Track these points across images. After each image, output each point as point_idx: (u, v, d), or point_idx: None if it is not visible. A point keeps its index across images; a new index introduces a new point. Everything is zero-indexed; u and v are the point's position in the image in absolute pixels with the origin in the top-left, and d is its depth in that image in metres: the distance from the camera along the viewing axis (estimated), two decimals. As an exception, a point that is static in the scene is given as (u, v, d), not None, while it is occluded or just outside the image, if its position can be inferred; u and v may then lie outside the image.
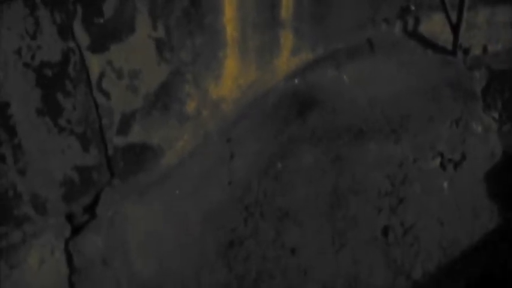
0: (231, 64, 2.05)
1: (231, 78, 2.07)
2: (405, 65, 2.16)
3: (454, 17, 2.31)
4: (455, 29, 2.32)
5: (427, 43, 2.34)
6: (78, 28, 1.73)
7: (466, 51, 2.42)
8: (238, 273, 1.98)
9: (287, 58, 2.13)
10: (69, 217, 2.03)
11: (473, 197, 2.16)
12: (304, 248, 1.96)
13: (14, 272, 1.93)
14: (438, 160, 2.10)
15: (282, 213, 1.94)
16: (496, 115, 2.45)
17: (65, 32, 1.72)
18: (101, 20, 1.76)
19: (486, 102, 2.38)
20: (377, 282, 2.05)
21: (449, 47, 2.38)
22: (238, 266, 1.97)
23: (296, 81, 2.12)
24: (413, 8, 2.24)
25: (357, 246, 2.00)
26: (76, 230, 2.03)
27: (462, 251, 2.17)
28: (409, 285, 2.09)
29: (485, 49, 2.50)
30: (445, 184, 2.09)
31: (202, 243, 2.00)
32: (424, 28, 2.34)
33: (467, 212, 2.15)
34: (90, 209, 2.04)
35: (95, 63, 1.82)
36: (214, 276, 2.01)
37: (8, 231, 1.90)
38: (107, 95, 1.90)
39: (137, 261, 2.06)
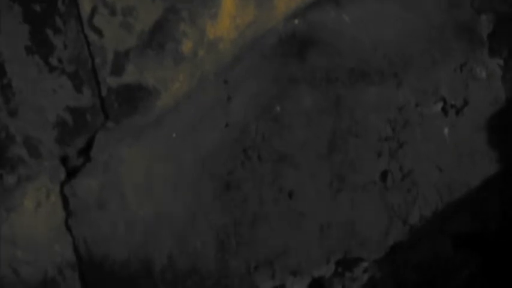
0: (228, 2, 1.94)
1: (229, 18, 1.96)
2: (410, 5, 2.05)
3: (462, -43, 2.18)
4: (463, -31, 2.19)
5: (434, -17, 2.21)
6: (67, -42, 1.61)
7: (473, -7, 2.31)
8: (235, 217, 1.95)
9: (287, -3, 2.02)
10: (64, 160, 1.98)
11: (473, 143, 2.11)
12: (301, 191, 1.92)
13: (10, 215, 1.89)
14: (440, 105, 2.04)
15: (280, 156, 1.89)
16: (501, 62, 2.36)
17: (52, -38, 1.60)
18: (91, -49, 1.64)
19: (492, 48, 2.29)
20: (374, 226, 2.04)
21: (457, -12, 2.26)
22: (235, 209, 1.94)
23: (296, 21, 2.02)
24: None
25: (355, 190, 1.97)
26: (71, 174, 1.98)
27: (458, 198, 2.13)
28: (406, 230, 2.07)
29: (493, -9, 2.39)
30: (446, 130, 2.03)
31: (199, 187, 1.96)
32: (431, -32, 2.21)
33: (466, 159, 2.11)
34: (85, 152, 1.98)
35: (86, -2, 1.72)
36: (210, 220, 1.98)
37: (3, 174, 1.85)
38: (99, 32, 1.81)
39: (133, 204, 2.03)
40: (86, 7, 1.73)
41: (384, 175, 1.99)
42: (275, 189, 1.91)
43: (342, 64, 1.99)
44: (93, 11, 1.76)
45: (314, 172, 1.93)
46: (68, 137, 1.91)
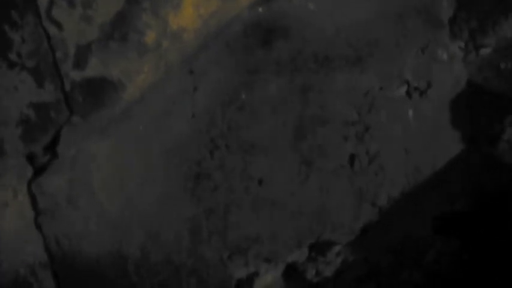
0: (190, -8, 1.91)
1: (192, 7, 1.93)
2: (372, -9, 2.06)
3: None
4: (422, -46, 2.21)
5: (395, -31, 2.23)
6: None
7: (433, -22, 2.32)
8: (206, 207, 1.94)
9: (250, -15, 2.00)
10: (30, 158, 1.93)
11: (437, 125, 2.14)
12: (271, 178, 1.92)
13: (-23, 216, 1.84)
14: (404, 88, 2.05)
15: (248, 145, 1.89)
16: (461, 44, 2.40)
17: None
18: None
19: (453, 31, 2.32)
20: (344, 210, 2.05)
21: (417, -27, 2.28)
22: (205, 199, 1.93)
23: (260, 9, 2.00)
24: None
25: (324, 175, 1.97)
26: (38, 171, 1.94)
27: (425, 179, 2.16)
28: (375, 212, 2.09)
29: (453, -24, 2.41)
30: (411, 112, 2.05)
31: (168, 178, 1.94)
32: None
33: (431, 140, 2.14)
34: (51, 149, 1.94)
35: (42, -10, 1.67)
36: (181, 211, 1.97)
37: (-32, 174, 1.80)
38: (58, 25, 1.76)
39: (103, 200, 2.00)
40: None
41: (351, 159, 2.00)
42: (245, 177, 1.90)
43: (306, 51, 1.98)
44: (51, 3, 1.71)
45: (283, 159, 1.93)
46: (33, 133, 1.87)
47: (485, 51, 2.48)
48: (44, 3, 1.69)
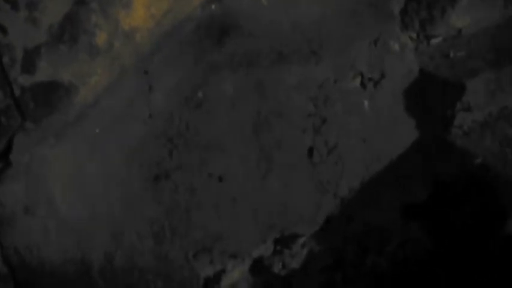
0: (140, -9, 1.85)
1: (143, 7, 1.88)
2: (325, -15, 2.05)
3: None
4: None
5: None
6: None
7: (383, -28, 2.34)
8: (167, 207, 1.90)
9: (202, -16, 1.96)
10: (-17, 167, 1.84)
11: (392, 114, 2.16)
12: (231, 175, 1.89)
13: None
14: (358, 79, 2.06)
15: (206, 143, 1.85)
16: (413, 34, 2.43)
17: None
18: None
19: (404, 22, 2.34)
20: (306, 202, 2.04)
21: (367, -33, 2.28)
22: (166, 199, 1.89)
23: (213, 7, 1.97)
24: None
25: (284, 169, 1.96)
26: (-8, 181, 1.85)
27: (383, 168, 2.18)
28: (337, 203, 2.09)
29: (402, -31, 2.43)
30: (366, 103, 2.06)
31: (128, 181, 1.88)
32: None
33: (388, 129, 2.15)
34: (4, 157, 1.85)
35: (-19, -7, 1.58)
36: (143, 213, 1.92)
37: None
38: (2, 29, 1.68)
39: (63, 206, 1.93)
40: (-16, 4, 1.60)
41: (310, 152, 1.99)
42: (204, 175, 1.87)
43: (261, 47, 1.96)
44: (-7, 7, 1.63)
45: (242, 155, 1.90)
46: (-16, 142, 1.78)
47: (435, 41, 2.51)
48: (-14, 7, 1.61)
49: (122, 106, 1.87)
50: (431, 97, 2.24)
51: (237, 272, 2.10)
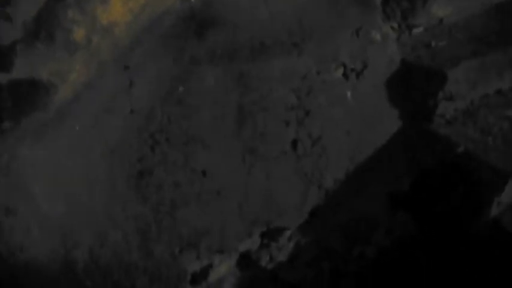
0: (117, -14, 1.81)
1: (120, 1, 1.84)
2: (304, -24, 2.03)
3: None
4: None
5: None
6: None
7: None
8: (152, 204, 1.87)
9: (180, -24, 1.92)
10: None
11: (375, 104, 2.15)
12: (215, 169, 1.87)
13: None
14: (341, 70, 2.05)
15: (188, 138, 1.82)
16: (394, 24, 2.42)
17: None
18: None
19: (385, 12, 2.33)
20: (290, 195, 2.03)
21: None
22: (151, 196, 1.86)
23: (192, 0, 1.93)
24: None
25: (268, 161, 1.94)
26: (-27, 182, 1.80)
27: (367, 158, 2.17)
28: (321, 194, 2.08)
29: (384, -41, 2.42)
30: (349, 93, 2.05)
31: (111, 177, 1.85)
32: None
33: (371, 119, 2.15)
34: (-17, 157, 1.80)
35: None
36: (128, 210, 1.89)
37: None
38: (-25, 26, 1.62)
39: (45, 206, 1.89)
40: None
41: (294, 144, 1.98)
42: (188, 170, 1.84)
43: (242, 39, 1.94)
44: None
45: (225, 149, 1.88)
46: (-38, 143, 1.73)
47: (417, 31, 2.51)
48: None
49: (102, 102, 1.84)
50: (413, 87, 2.24)
51: (224, 267, 2.09)
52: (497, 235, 2.04)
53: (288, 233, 2.12)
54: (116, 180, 1.86)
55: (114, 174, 1.85)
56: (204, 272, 2.03)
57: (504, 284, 2.04)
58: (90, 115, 1.83)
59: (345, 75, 2.06)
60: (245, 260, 2.13)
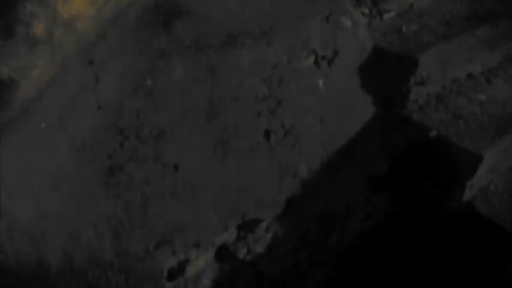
0: (78, -23, 1.74)
1: (82, -7, 1.77)
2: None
3: None
4: None
5: None
6: None
7: None
8: (124, 200, 1.83)
9: (144, -34, 1.86)
10: None
11: (348, 92, 2.14)
12: (187, 163, 1.83)
13: None
14: (312, 58, 2.02)
15: (159, 132, 1.78)
16: (365, 10, 2.41)
17: None
18: None
19: (356, -2, 2.32)
20: (265, 186, 2.01)
21: None
22: (122, 192, 1.81)
23: (158, -10, 1.87)
24: None
25: (241, 153, 1.91)
26: None
27: (342, 146, 2.17)
28: (296, 184, 2.07)
29: None
30: (320, 82, 2.03)
31: (81, 175, 1.80)
32: None
33: (344, 107, 2.14)
34: None
35: None
36: (99, 208, 1.84)
37: None
38: None
39: (12, 208, 1.82)
40: None
41: (267, 134, 1.95)
42: (160, 165, 1.80)
43: (210, 30, 1.89)
44: None
45: (197, 142, 1.84)
46: None
47: (388, 16, 2.51)
48: None
49: (67, 99, 1.78)
50: (385, 72, 2.24)
51: (201, 261, 2.06)
52: (470, 217, 2.07)
53: (264, 224, 2.10)
54: (85, 178, 1.80)
55: (83, 172, 1.80)
56: (181, 267, 2.01)
57: (476, 262, 2.07)
58: (55, 112, 1.77)
59: (316, 63, 2.04)
60: (223, 253, 2.11)
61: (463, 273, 2.10)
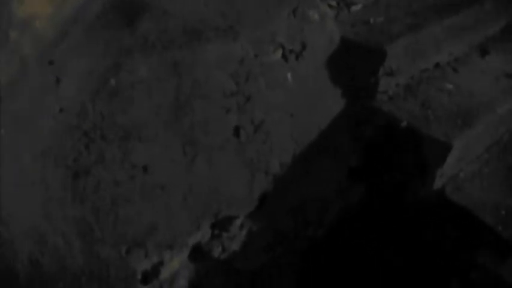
0: (33, -26, 1.68)
1: (39, -8, 1.70)
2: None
3: None
4: None
5: None
6: None
7: None
8: (92, 204, 1.78)
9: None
10: None
11: (317, 85, 2.14)
12: (156, 163, 1.79)
13: None
14: (279, 52, 2.01)
15: (125, 132, 1.73)
16: (332, 2, 2.41)
17: None
18: None
19: (323, -10, 2.30)
20: (237, 183, 1.99)
21: None
22: (90, 196, 1.76)
23: (119, -13, 1.82)
24: None
25: (211, 151, 1.88)
26: None
27: (313, 140, 2.16)
28: (269, 180, 2.05)
29: None
30: (289, 75, 2.01)
31: (44, 181, 1.74)
32: None
33: (313, 101, 2.13)
34: None
35: None
36: (67, 214, 1.78)
37: None
38: None
39: (-24, 216, 1.75)
40: None
41: (236, 131, 1.93)
42: (127, 167, 1.76)
43: (174, 26, 1.85)
44: None
45: (165, 141, 1.80)
46: None
47: (355, 8, 2.51)
48: None
49: (27, 102, 1.71)
50: (354, 64, 2.24)
51: (176, 262, 2.03)
52: (441, 205, 2.09)
53: (238, 222, 2.09)
54: (50, 184, 1.75)
55: (48, 177, 1.74)
56: (156, 270, 1.97)
57: (448, 249, 2.10)
58: (15, 117, 1.70)
59: (284, 57, 2.02)
60: (197, 253, 2.08)
61: (435, 260, 2.12)
